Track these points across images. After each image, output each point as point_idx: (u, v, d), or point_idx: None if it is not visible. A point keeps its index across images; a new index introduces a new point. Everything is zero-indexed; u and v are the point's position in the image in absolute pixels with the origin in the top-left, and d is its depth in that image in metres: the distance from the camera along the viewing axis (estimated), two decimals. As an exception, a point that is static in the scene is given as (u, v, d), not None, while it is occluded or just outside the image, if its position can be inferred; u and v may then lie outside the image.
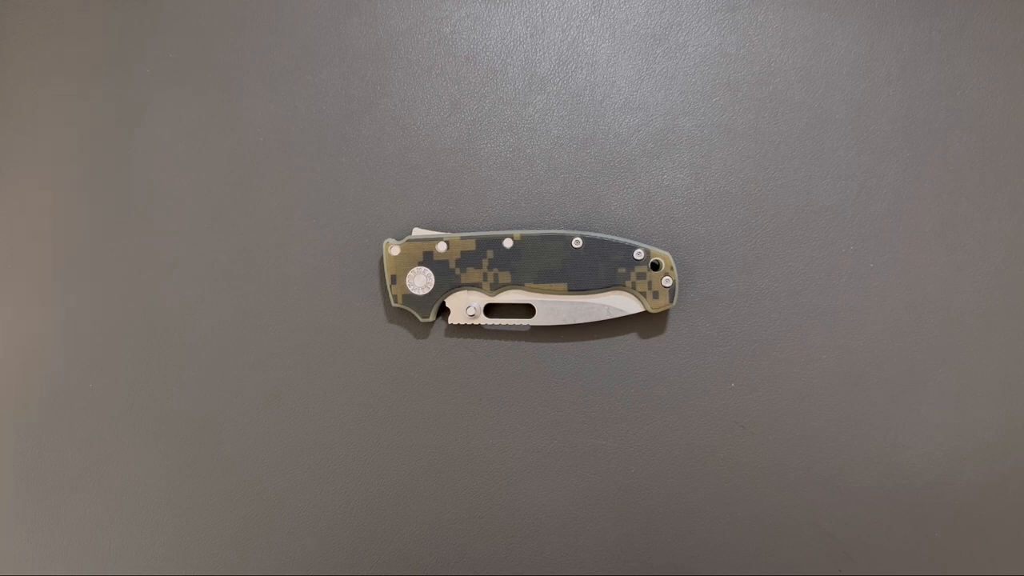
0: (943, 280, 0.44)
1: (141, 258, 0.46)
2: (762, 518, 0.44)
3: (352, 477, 0.45)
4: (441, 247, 0.44)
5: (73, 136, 0.46)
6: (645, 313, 0.44)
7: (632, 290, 0.43)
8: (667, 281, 0.43)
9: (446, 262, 0.44)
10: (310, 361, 0.45)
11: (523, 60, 0.45)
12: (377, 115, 0.46)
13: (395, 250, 0.44)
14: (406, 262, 0.44)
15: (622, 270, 0.43)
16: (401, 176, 0.45)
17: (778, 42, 0.45)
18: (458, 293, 0.44)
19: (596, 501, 0.45)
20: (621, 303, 0.43)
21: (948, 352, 0.44)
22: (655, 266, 0.43)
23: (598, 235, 0.43)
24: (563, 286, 0.43)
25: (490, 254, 0.43)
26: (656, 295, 0.43)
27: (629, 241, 0.43)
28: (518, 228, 0.45)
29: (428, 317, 0.44)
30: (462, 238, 0.44)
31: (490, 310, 0.45)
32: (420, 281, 0.44)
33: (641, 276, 0.43)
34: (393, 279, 0.44)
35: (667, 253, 0.43)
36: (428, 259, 0.44)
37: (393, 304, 0.44)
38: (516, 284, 0.44)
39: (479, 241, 0.43)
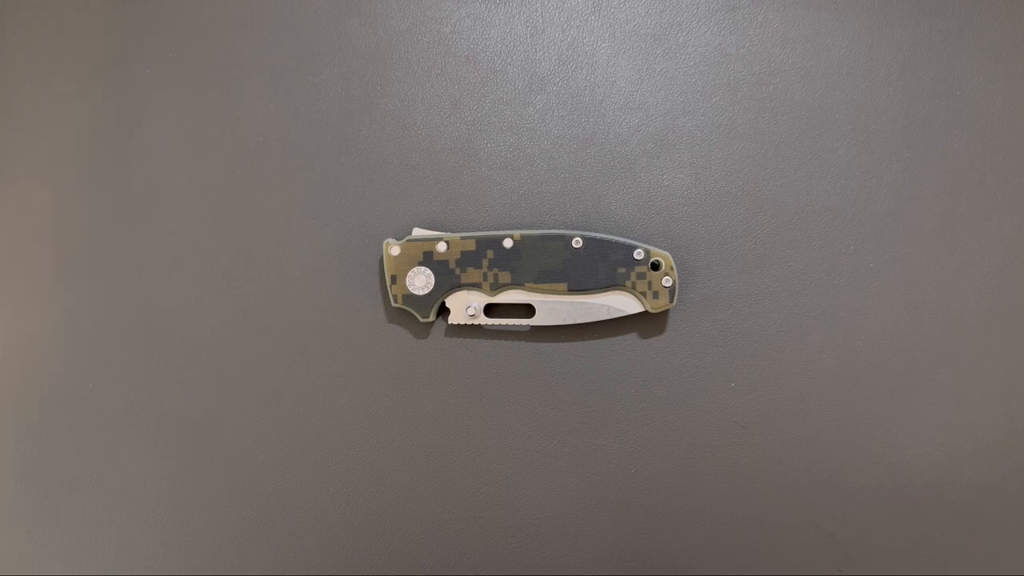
0: (943, 280, 0.44)
1: (141, 258, 0.46)
2: (762, 518, 0.44)
3: (352, 477, 0.45)
4: (441, 247, 0.44)
5: (73, 136, 0.46)
6: (645, 313, 0.44)
7: (632, 290, 0.43)
8: (667, 281, 0.43)
9: (446, 262, 0.44)
10: (310, 361, 0.45)
11: (523, 60, 0.45)
12: (377, 115, 0.46)
13: (395, 250, 0.44)
14: (406, 262, 0.44)
15: (622, 270, 0.43)
16: (401, 176, 0.45)
17: (778, 42, 0.45)
18: (458, 293, 0.44)
19: (596, 501, 0.45)
20: (621, 303, 0.43)
21: (948, 352, 0.44)
22: (655, 266, 0.43)
23: (598, 235, 0.43)
24: (563, 286, 0.43)
25: (490, 254, 0.43)
26: (656, 295, 0.43)
27: (629, 241, 0.43)
28: (518, 228, 0.45)
29: (428, 317, 0.44)
30: (462, 238, 0.44)
31: (490, 310, 0.45)
32: (420, 281, 0.44)
33: (641, 276, 0.43)
34: (393, 279, 0.44)
35: (667, 253, 0.43)
36: (428, 259, 0.44)
37: (393, 304, 0.44)
38: (516, 284, 0.44)
39: (479, 241, 0.43)
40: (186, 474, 0.45)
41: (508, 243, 0.43)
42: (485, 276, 0.44)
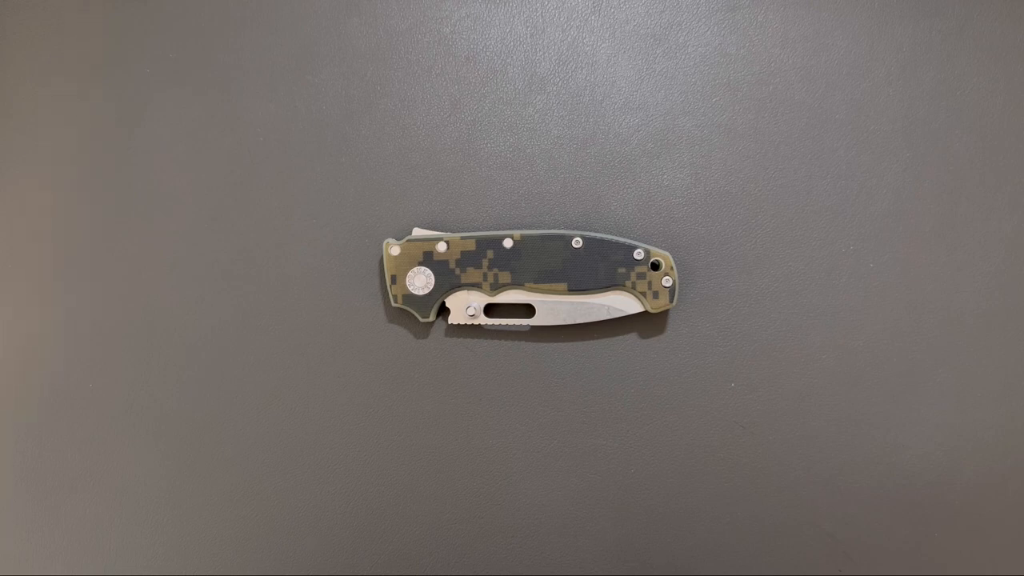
0: (943, 280, 0.44)
1: (141, 258, 0.46)
2: (762, 518, 0.44)
3: (352, 477, 0.45)
4: (441, 247, 0.44)
5: (73, 136, 0.46)
6: (645, 313, 0.44)
7: (632, 290, 0.43)
8: (667, 281, 0.43)
9: (446, 262, 0.44)
10: (310, 361, 0.45)
11: (523, 60, 0.45)
12: (377, 115, 0.46)
13: (395, 250, 0.44)
14: (406, 262, 0.44)
15: (622, 270, 0.43)
16: (401, 176, 0.45)
17: (778, 42, 0.45)
18: (458, 293, 0.44)
19: (596, 501, 0.45)
20: (621, 303, 0.43)
21: (948, 352, 0.44)
22: (655, 266, 0.43)
23: (598, 235, 0.43)
24: (563, 286, 0.43)
25: (490, 254, 0.43)
26: (656, 295, 0.43)
27: (629, 241, 0.43)
28: (518, 228, 0.45)
29: (428, 317, 0.44)
30: (462, 238, 0.44)
31: (490, 310, 0.45)
32: (420, 281, 0.44)
33: (641, 276, 0.43)
34: (393, 279, 0.44)
35: (667, 253, 0.43)
36: (428, 259, 0.44)
37: (393, 304, 0.44)
38: (516, 284, 0.44)
39: (479, 241, 0.43)
40: (186, 474, 0.45)
41: (508, 243, 0.43)
42: (485, 276, 0.44)
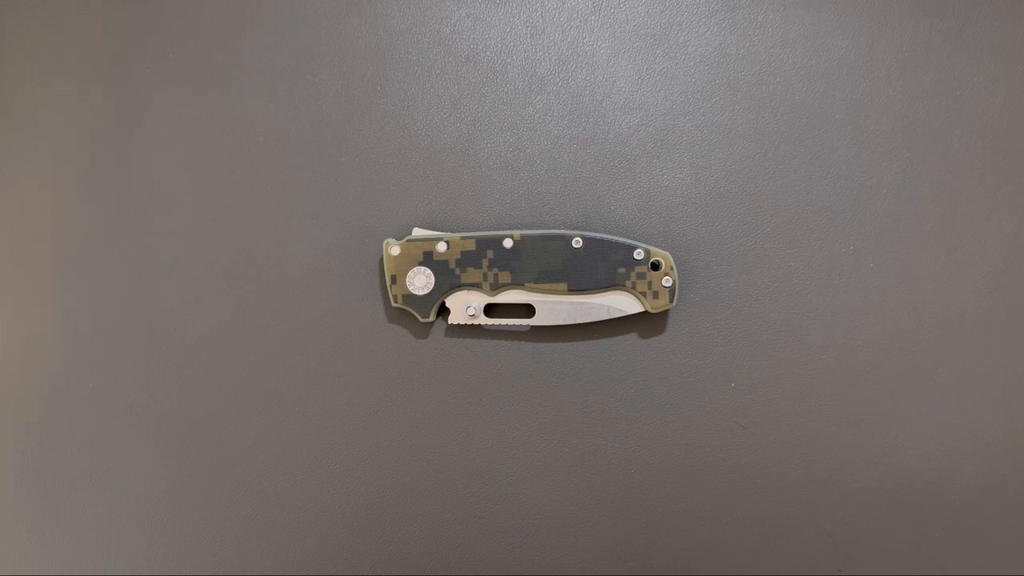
0: (943, 280, 0.44)
1: (141, 258, 0.46)
2: (762, 518, 0.44)
3: (352, 477, 0.45)
4: (441, 247, 0.44)
5: (73, 136, 0.46)
6: (645, 313, 0.44)
7: (632, 290, 0.43)
8: (667, 281, 0.43)
9: (446, 262, 0.44)
10: (310, 361, 0.45)
11: (523, 60, 0.45)
12: (377, 115, 0.46)
13: (395, 250, 0.44)
14: (406, 262, 0.44)
15: (622, 270, 0.43)
16: (401, 176, 0.45)
17: (778, 42, 0.45)
18: (458, 293, 0.44)
19: (596, 501, 0.45)
20: (621, 303, 0.43)
21: (948, 352, 0.44)
22: (655, 266, 0.43)
23: (598, 235, 0.43)
24: (563, 286, 0.43)
25: (490, 254, 0.43)
26: (656, 295, 0.43)
27: (629, 241, 0.43)
28: (518, 228, 0.45)
29: (428, 317, 0.44)
30: (462, 238, 0.44)
31: (490, 310, 0.45)
32: (420, 281, 0.44)
33: (641, 276, 0.43)
34: (393, 279, 0.44)
35: (667, 253, 0.43)
36: (428, 259, 0.44)
37: (393, 304, 0.44)
38: (516, 284, 0.44)
39: (479, 241, 0.43)
40: (186, 474, 0.45)
41: (508, 243, 0.43)
42: (485, 276, 0.44)
